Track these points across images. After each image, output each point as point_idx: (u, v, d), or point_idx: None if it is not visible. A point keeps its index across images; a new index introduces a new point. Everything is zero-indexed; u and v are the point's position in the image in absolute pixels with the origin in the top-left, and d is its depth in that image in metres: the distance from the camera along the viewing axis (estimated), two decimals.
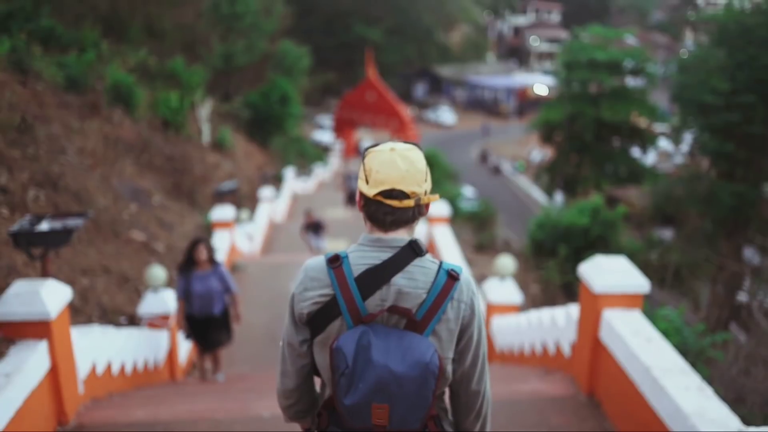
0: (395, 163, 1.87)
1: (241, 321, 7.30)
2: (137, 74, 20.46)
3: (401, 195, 1.87)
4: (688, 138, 24.00)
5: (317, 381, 2.14)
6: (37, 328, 4.20)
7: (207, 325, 6.90)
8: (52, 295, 4.26)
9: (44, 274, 4.88)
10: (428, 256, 1.96)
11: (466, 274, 1.98)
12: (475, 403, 2.07)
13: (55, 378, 4.35)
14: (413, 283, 1.89)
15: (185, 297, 6.76)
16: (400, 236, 1.94)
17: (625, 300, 4.61)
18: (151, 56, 23.53)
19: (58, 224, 4.79)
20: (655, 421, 3.72)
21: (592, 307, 4.66)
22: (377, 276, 1.88)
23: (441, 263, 1.96)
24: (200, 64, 28.33)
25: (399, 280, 1.89)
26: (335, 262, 1.92)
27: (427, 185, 1.94)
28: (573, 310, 5.30)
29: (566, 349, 5.50)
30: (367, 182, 1.90)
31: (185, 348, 8.59)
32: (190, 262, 6.70)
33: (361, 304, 1.88)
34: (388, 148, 1.92)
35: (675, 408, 3.50)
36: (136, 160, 15.91)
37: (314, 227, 14.65)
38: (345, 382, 1.80)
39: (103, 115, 15.39)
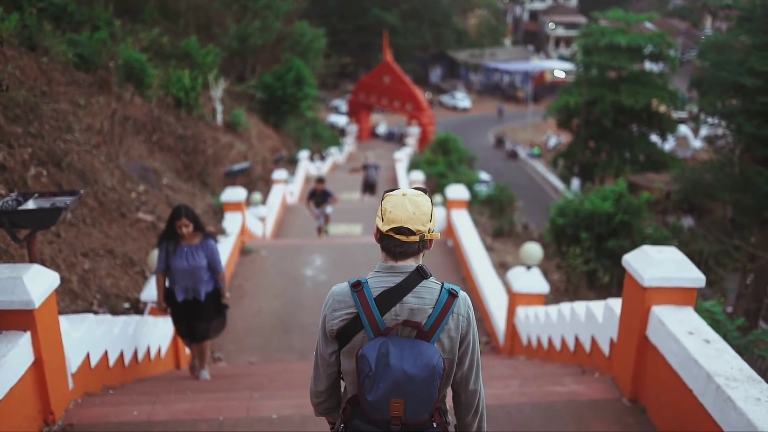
0: (405, 206, 2.24)
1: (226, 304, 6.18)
2: (150, 54, 20.03)
3: (408, 232, 2.23)
4: (709, 123, 23.09)
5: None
6: (19, 318, 3.75)
7: (192, 312, 5.87)
8: (37, 282, 3.80)
9: (31, 258, 4.43)
10: (431, 278, 2.31)
11: (463, 293, 2.34)
12: (473, 400, 2.45)
13: (40, 373, 3.91)
14: (421, 300, 2.25)
15: (166, 273, 5.79)
16: (409, 263, 2.29)
17: (678, 295, 4.10)
18: (165, 36, 23.09)
19: (45, 203, 4.32)
20: None
21: (640, 301, 4.16)
22: (392, 296, 2.25)
23: (443, 284, 2.32)
24: (215, 44, 27.83)
25: (410, 298, 2.25)
26: (357, 287, 2.28)
27: (431, 224, 2.28)
28: (614, 303, 4.79)
29: (604, 347, 5.00)
30: (382, 220, 2.27)
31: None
32: (172, 234, 5.67)
33: (380, 319, 2.24)
34: (400, 193, 2.29)
35: (746, 423, 3.02)
36: (147, 140, 15.49)
37: (322, 196, 14.43)
38: (368, 383, 2.18)
39: (114, 94, 14.94)
